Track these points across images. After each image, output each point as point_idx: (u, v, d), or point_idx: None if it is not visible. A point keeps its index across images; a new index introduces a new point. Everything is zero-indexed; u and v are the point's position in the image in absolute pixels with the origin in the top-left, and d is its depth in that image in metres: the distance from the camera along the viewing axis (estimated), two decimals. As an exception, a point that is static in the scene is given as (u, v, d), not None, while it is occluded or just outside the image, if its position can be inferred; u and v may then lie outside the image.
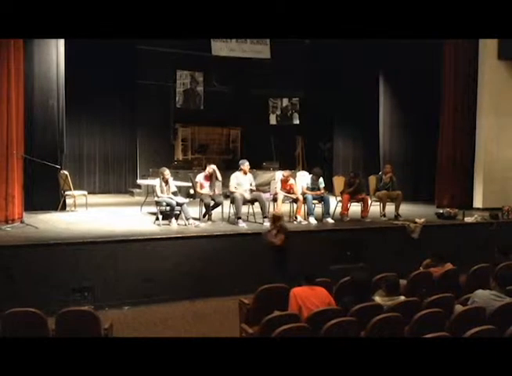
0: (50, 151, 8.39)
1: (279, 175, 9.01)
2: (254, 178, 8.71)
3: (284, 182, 8.33)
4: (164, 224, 7.54)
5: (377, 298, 4.40)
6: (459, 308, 4.37)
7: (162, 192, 7.73)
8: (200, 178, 8.16)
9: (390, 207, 8.89)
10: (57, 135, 8.70)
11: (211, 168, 8.16)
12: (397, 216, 8.66)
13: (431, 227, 8.20)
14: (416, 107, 10.88)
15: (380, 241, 7.73)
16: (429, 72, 10.37)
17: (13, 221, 7.29)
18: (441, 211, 9.04)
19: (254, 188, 8.31)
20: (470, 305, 4.37)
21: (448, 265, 5.62)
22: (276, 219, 6.48)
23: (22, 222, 7.31)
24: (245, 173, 8.15)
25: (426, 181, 10.79)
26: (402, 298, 4.46)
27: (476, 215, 8.89)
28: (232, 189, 8.01)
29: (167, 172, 7.82)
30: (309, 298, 4.29)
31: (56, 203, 8.63)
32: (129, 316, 6.01)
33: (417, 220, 8.19)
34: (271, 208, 8.12)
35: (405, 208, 9.23)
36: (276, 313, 4.16)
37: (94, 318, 4.06)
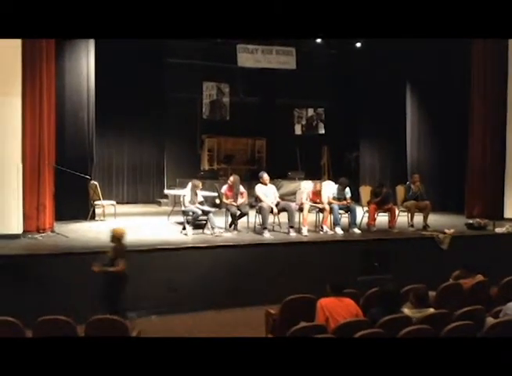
0: (80, 162, 8.58)
1: (305, 185, 8.99)
2: (279, 188, 8.75)
3: (314, 194, 8.27)
4: (193, 233, 7.64)
5: (406, 310, 4.33)
6: (490, 320, 4.27)
7: (191, 202, 7.84)
8: (224, 189, 8.26)
9: (418, 218, 8.76)
10: (87, 146, 8.90)
11: (230, 179, 8.27)
12: (425, 227, 8.52)
13: (461, 238, 8.06)
14: (445, 115, 10.66)
15: (409, 252, 7.61)
16: (457, 80, 10.22)
17: (44, 230, 7.44)
18: (470, 221, 8.86)
19: (278, 198, 8.33)
20: (502, 317, 4.26)
21: (479, 277, 5.50)
22: (115, 239, 5.20)
23: (53, 231, 7.49)
24: (265, 184, 8.23)
25: (455, 191, 10.56)
26: (432, 310, 4.38)
27: (507, 226, 8.67)
28: (262, 198, 8.05)
29: (201, 185, 8.13)
30: (336, 309, 4.24)
31: (86, 212, 8.81)
32: (156, 325, 6.07)
33: (446, 231, 8.05)
34: (296, 219, 8.09)
35: (434, 219, 9.07)
36: (303, 324, 4.13)
37: (122, 326, 4.12)
